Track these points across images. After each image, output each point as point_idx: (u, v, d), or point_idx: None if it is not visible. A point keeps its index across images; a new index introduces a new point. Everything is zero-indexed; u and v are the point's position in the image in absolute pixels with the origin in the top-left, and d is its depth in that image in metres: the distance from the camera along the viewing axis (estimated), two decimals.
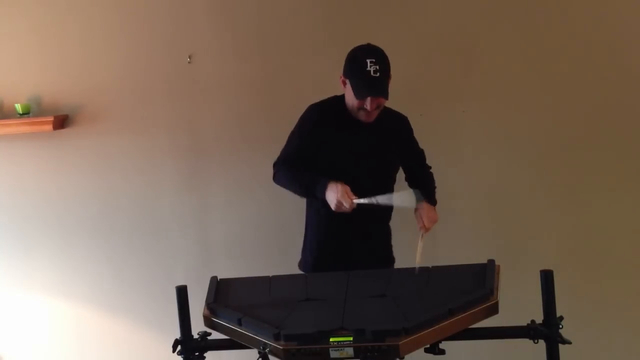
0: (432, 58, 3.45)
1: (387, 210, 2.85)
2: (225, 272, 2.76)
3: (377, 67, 2.58)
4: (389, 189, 2.77)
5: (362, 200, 2.55)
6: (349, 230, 2.76)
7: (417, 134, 2.93)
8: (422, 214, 2.71)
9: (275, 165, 2.81)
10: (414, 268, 2.58)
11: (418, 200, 2.64)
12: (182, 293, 2.49)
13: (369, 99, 2.60)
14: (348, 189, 2.56)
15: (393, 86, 3.34)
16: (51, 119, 3.56)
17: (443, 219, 3.43)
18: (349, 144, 2.73)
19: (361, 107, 2.64)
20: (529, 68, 3.39)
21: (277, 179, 2.80)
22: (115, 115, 3.68)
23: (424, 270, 2.56)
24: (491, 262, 2.45)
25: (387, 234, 2.94)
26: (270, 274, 2.66)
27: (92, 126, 3.69)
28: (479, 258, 2.52)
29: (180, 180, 3.68)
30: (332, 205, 2.56)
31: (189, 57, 3.60)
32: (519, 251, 3.42)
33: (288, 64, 3.54)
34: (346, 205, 2.52)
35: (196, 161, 3.66)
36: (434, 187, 2.92)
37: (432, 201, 2.83)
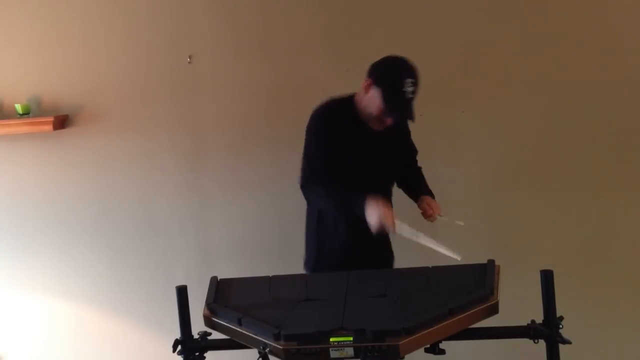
0: (432, 58, 3.45)
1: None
2: (225, 272, 2.76)
3: (414, 89, 2.52)
4: (391, 191, 2.80)
5: (404, 232, 2.48)
6: (349, 230, 2.75)
7: (417, 134, 2.93)
8: (430, 203, 2.74)
9: (303, 187, 2.70)
10: (418, 268, 2.58)
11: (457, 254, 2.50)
12: (182, 293, 2.49)
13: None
14: (390, 209, 2.48)
15: None
16: (51, 119, 3.56)
17: (443, 219, 3.43)
18: (361, 148, 2.69)
19: (382, 118, 2.60)
20: (528, 68, 3.40)
21: (312, 203, 2.74)
22: (115, 115, 3.68)
23: (425, 269, 2.56)
24: (491, 262, 2.45)
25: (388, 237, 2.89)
26: (270, 274, 2.66)
27: (92, 126, 3.69)
28: (479, 258, 2.52)
29: (180, 180, 3.68)
30: (373, 228, 2.48)
31: (189, 57, 3.60)
32: (519, 251, 3.42)
33: (288, 64, 3.53)
34: (391, 230, 2.47)
35: (196, 161, 3.66)
36: (427, 184, 2.93)
37: (430, 194, 2.85)
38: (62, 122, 3.66)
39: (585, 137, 3.40)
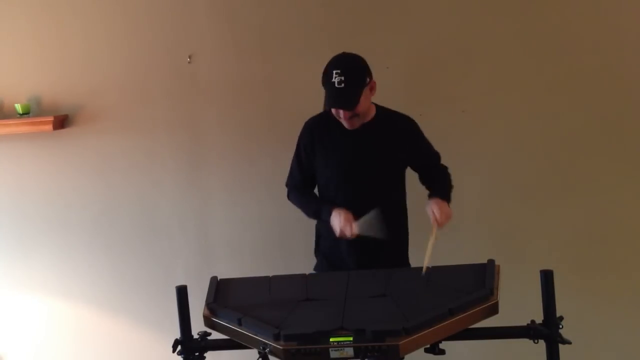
0: (432, 58, 3.45)
1: (395, 213, 2.82)
2: (225, 272, 2.76)
3: (342, 78, 2.60)
4: (390, 194, 2.80)
5: (364, 231, 2.62)
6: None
7: None
8: (433, 208, 2.68)
9: (286, 185, 2.96)
10: (417, 268, 2.58)
11: (376, 225, 2.63)
12: (182, 293, 2.50)
13: (340, 110, 2.65)
14: (350, 216, 2.65)
15: (393, 86, 3.35)
16: (51, 119, 3.56)
17: None
18: (342, 152, 2.76)
19: (339, 116, 2.68)
20: (528, 68, 3.39)
21: (290, 200, 2.95)
22: (115, 115, 3.68)
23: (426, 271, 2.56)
24: (491, 262, 2.45)
25: (401, 238, 2.89)
26: (270, 274, 2.66)
27: (92, 126, 3.69)
28: (479, 258, 2.52)
29: (181, 180, 3.68)
30: (336, 232, 2.67)
31: (189, 57, 3.60)
32: (519, 251, 3.42)
33: (288, 64, 3.53)
34: (348, 235, 2.64)
35: (196, 161, 3.66)
36: (449, 185, 2.87)
37: (444, 196, 2.77)
38: (62, 122, 3.66)
39: (585, 137, 3.40)
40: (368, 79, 2.67)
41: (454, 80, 3.44)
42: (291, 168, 2.91)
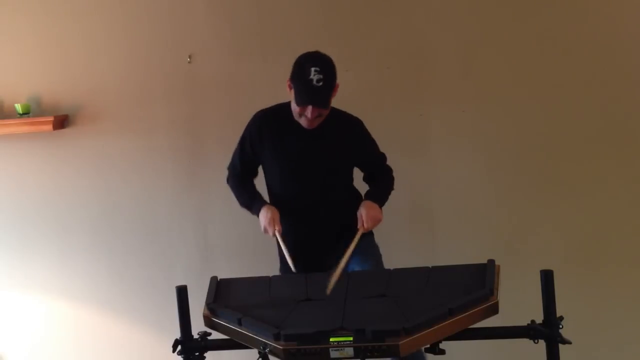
0: (432, 58, 3.45)
1: (347, 208, 2.78)
2: (225, 272, 2.76)
3: (321, 77, 2.58)
4: (338, 193, 2.79)
5: (280, 241, 2.69)
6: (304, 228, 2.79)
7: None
8: (362, 211, 2.70)
9: (227, 168, 2.95)
10: (417, 268, 2.57)
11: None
12: (182, 293, 2.49)
13: (309, 107, 2.61)
14: (277, 216, 2.71)
15: (393, 86, 3.36)
16: (51, 119, 3.56)
17: (443, 219, 3.44)
18: (291, 150, 2.75)
19: (302, 114, 2.65)
20: (528, 68, 3.40)
21: (228, 184, 2.95)
22: (115, 115, 3.68)
23: (425, 269, 2.55)
24: (491, 262, 2.45)
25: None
26: (270, 274, 2.66)
27: (92, 126, 3.69)
28: (479, 258, 2.52)
29: (180, 180, 3.68)
30: (261, 229, 2.74)
31: (189, 57, 3.60)
32: (519, 251, 3.42)
33: (288, 64, 3.52)
34: (270, 233, 2.71)
35: (196, 161, 3.66)
36: (386, 188, 2.86)
37: (377, 199, 2.77)
38: (62, 122, 3.66)
39: (585, 137, 3.40)
40: (336, 81, 2.66)
41: (454, 80, 3.44)
42: (233, 155, 2.91)
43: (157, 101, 3.65)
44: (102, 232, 3.75)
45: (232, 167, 2.93)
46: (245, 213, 3.62)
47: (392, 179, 2.90)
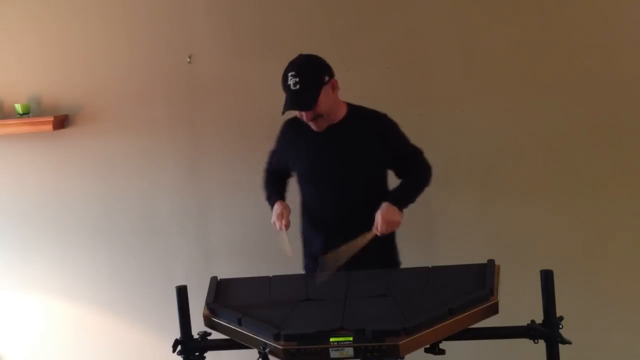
0: (432, 58, 3.45)
1: (374, 209, 2.69)
2: (225, 272, 2.76)
3: (297, 80, 2.59)
4: (362, 194, 2.73)
5: (283, 239, 2.75)
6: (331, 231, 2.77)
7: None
8: (378, 215, 2.63)
9: (264, 171, 3.02)
10: (417, 268, 2.57)
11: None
12: (182, 293, 2.49)
13: (302, 111, 2.64)
14: (286, 212, 2.77)
15: (393, 86, 3.35)
16: (51, 119, 3.56)
17: (443, 219, 3.44)
18: (310, 153, 2.78)
19: (302, 118, 2.67)
20: (528, 68, 3.39)
21: (263, 179, 3.02)
22: (115, 115, 3.68)
23: (425, 269, 2.55)
24: (491, 262, 2.45)
25: (385, 238, 2.73)
26: (270, 274, 2.66)
27: (92, 126, 3.69)
28: (479, 258, 2.52)
29: (180, 180, 3.68)
30: (272, 223, 2.81)
31: (189, 57, 3.60)
32: (519, 251, 3.42)
33: None
34: (277, 228, 2.76)
35: (196, 161, 3.67)
36: (416, 187, 2.75)
37: (397, 201, 2.67)
38: (62, 122, 3.66)
39: (585, 137, 3.40)
40: (327, 78, 2.64)
41: (454, 80, 3.44)
42: (271, 158, 3.00)
43: (157, 101, 3.65)
44: (102, 232, 3.75)
45: (267, 163, 3.02)
46: (245, 213, 3.65)
47: (423, 176, 2.77)
